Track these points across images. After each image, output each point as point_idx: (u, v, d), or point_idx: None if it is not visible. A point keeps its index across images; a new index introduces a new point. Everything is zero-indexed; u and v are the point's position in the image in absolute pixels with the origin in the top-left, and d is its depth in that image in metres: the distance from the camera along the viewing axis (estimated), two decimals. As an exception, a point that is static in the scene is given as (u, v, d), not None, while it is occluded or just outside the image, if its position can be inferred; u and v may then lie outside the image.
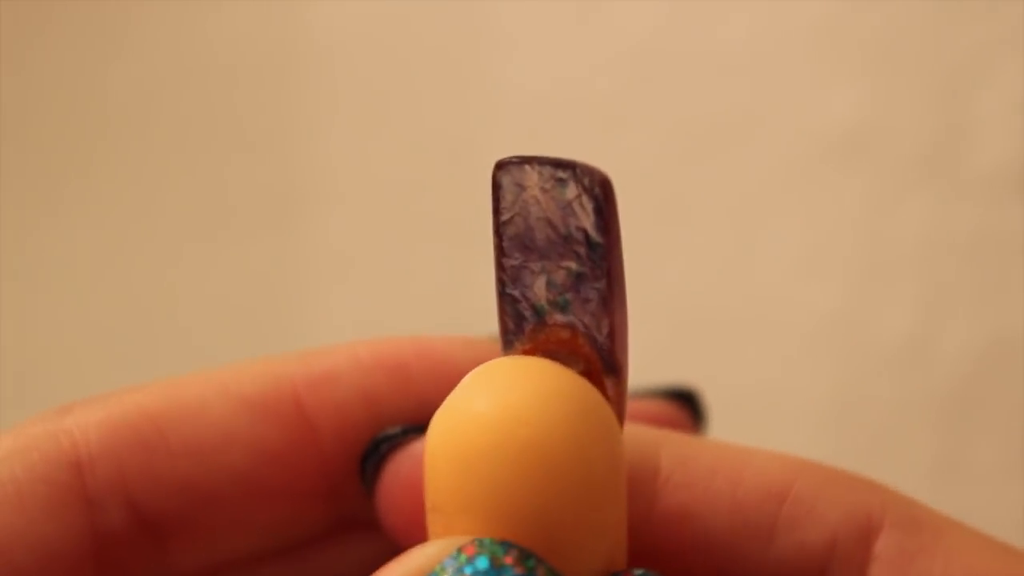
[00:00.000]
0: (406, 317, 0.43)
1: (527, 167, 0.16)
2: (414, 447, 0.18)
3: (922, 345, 0.38)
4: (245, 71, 0.46)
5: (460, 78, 0.43)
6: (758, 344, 0.40)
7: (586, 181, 0.16)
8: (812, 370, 0.39)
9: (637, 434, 0.18)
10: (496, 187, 0.17)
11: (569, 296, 0.17)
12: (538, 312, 0.17)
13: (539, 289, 0.17)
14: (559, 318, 0.16)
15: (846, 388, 0.39)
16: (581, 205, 0.16)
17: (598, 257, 0.16)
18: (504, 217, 0.16)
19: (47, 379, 0.49)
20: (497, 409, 0.15)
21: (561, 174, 0.16)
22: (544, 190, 0.16)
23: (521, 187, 0.17)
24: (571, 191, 0.16)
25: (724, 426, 0.40)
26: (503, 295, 0.17)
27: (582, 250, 0.16)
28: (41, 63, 0.49)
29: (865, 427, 0.38)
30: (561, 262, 0.16)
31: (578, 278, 0.16)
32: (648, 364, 0.40)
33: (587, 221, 0.16)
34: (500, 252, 0.17)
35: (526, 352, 0.17)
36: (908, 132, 0.38)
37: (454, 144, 0.43)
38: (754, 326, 0.40)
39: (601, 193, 0.16)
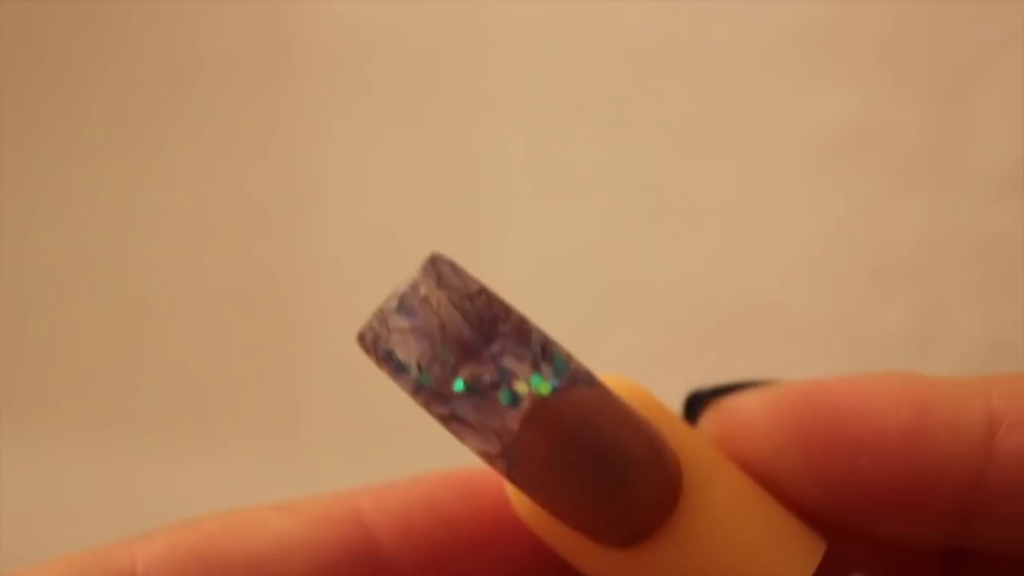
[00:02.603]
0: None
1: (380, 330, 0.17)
2: (726, 403, 0.19)
3: (922, 345, 0.38)
4: (244, 70, 0.46)
5: (460, 78, 0.43)
6: (758, 344, 0.40)
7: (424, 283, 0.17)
8: (812, 370, 0.39)
9: (961, 384, 0.18)
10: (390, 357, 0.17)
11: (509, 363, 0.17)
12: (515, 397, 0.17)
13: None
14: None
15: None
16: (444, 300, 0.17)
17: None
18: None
19: (47, 379, 0.49)
20: None
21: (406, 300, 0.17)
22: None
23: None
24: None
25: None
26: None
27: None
28: (40, 62, 0.49)
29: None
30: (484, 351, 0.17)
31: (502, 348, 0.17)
32: (648, 363, 0.40)
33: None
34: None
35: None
36: (908, 132, 0.38)
37: (454, 144, 0.43)
38: (754, 326, 0.40)
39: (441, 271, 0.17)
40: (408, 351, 0.17)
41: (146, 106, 0.48)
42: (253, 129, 0.46)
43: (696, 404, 0.19)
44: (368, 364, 0.47)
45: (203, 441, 0.47)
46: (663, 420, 0.18)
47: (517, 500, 0.18)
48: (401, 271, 0.47)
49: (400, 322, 0.17)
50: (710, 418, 0.19)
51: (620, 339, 0.40)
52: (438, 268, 0.17)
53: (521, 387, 0.17)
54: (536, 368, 0.17)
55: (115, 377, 0.48)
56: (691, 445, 0.18)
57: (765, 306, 0.40)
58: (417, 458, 0.44)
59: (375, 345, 0.17)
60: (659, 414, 0.18)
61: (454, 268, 0.17)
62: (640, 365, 0.40)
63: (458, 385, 0.17)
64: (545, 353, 0.17)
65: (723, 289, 0.40)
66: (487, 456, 0.17)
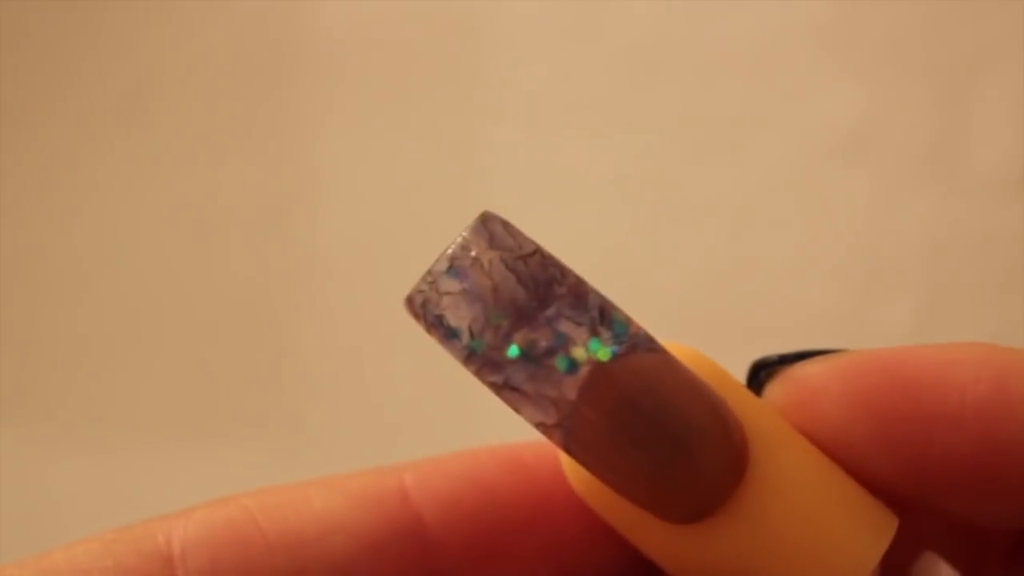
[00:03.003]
0: (406, 317, 0.43)
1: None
2: (794, 371, 0.18)
3: (922, 345, 0.38)
4: (245, 70, 0.46)
5: (460, 78, 0.43)
6: (758, 344, 0.40)
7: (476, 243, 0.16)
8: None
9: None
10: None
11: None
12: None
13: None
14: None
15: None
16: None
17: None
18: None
19: (47, 379, 0.49)
20: None
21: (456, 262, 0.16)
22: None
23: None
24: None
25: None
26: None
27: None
28: (39, 63, 0.49)
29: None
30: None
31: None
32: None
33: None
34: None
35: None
36: (909, 132, 0.38)
37: (454, 144, 0.43)
38: (755, 325, 0.40)
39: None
40: (459, 315, 0.16)
41: (146, 106, 0.48)
42: (253, 129, 0.46)
43: (761, 373, 0.18)
44: (369, 363, 0.47)
45: (203, 440, 0.47)
46: (727, 389, 0.17)
47: (574, 474, 0.17)
48: (401, 271, 0.47)
49: (450, 285, 0.16)
50: (776, 388, 0.18)
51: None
52: (489, 227, 0.16)
53: (579, 353, 0.16)
54: (595, 333, 0.16)
55: (115, 377, 0.48)
56: (757, 415, 0.17)
57: (765, 306, 0.40)
58: (418, 455, 0.44)
59: (424, 310, 0.16)
60: (723, 382, 0.17)
61: (506, 227, 0.16)
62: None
63: (512, 351, 0.16)
64: (604, 317, 0.16)
65: (723, 289, 0.40)
66: (543, 427, 0.16)
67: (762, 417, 0.17)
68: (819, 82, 0.39)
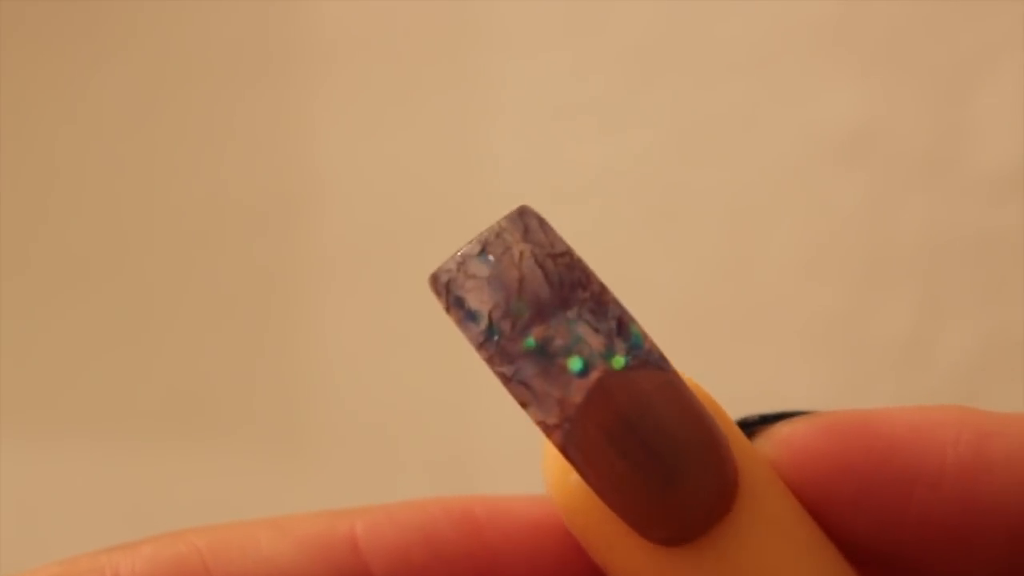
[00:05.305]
0: (406, 318, 0.43)
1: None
2: (776, 430, 0.18)
3: (922, 345, 0.38)
4: (245, 68, 0.46)
5: (460, 78, 0.43)
6: (758, 344, 0.40)
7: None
8: (812, 370, 0.39)
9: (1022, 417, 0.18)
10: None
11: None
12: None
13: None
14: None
15: (846, 388, 0.39)
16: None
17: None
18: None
19: (47, 379, 0.49)
20: None
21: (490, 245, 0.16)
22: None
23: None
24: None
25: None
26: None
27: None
28: (39, 62, 0.49)
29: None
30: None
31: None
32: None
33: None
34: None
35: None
36: (908, 132, 0.38)
37: (454, 143, 0.43)
38: (754, 326, 0.40)
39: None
40: (481, 300, 0.16)
41: (146, 105, 0.48)
42: (253, 129, 0.46)
43: (744, 432, 0.18)
44: (370, 364, 0.47)
45: (204, 441, 0.47)
46: (724, 424, 0.17)
47: (559, 485, 0.17)
48: (401, 271, 0.47)
49: (478, 268, 0.16)
50: (759, 446, 0.18)
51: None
52: (526, 220, 0.16)
53: (593, 358, 0.16)
54: (610, 341, 0.16)
55: (116, 378, 0.48)
56: (748, 456, 0.17)
57: (765, 306, 0.40)
58: (417, 457, 0.44)
59: (447, 289, 0.16)
60: (721, 418, 0.18)
61: (542, 223, 0.16)
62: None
63: (528, 342, 0.16)
64: (622, 328, 0.16)
65: (723, 289, 0.40)
66: (544, 426, 0.16)
67: (752, 458, 0.17)
68: (819, 82, 0.39)
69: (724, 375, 0.40)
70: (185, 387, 0.47)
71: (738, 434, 0.18)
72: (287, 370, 0.46)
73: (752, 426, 0.18)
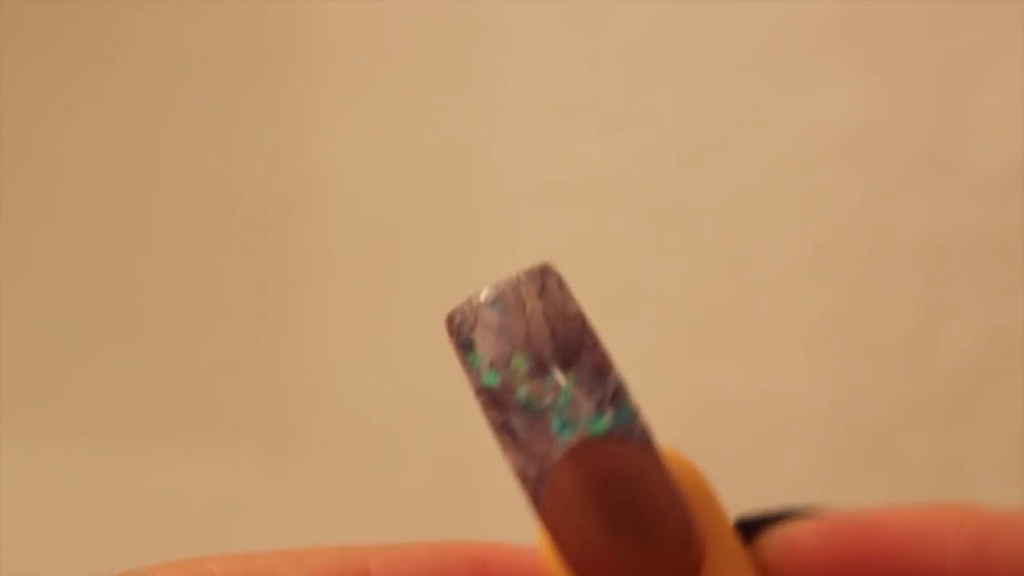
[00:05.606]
0: (408, 316, 0.43)
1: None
2: (780, 532, 0.18)
3: (922, 345, 0.38)
4: (245, 68, 0.46)
5: (460, 78, 0.43)
6: (759, 344, 0.40)
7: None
8: (813, 370, 0.39)
9: (1021, 514, 0.18)
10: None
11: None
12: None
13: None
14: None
15: (846, 387, 0.39)
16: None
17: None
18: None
19: (47, 380, 0.49)
20: None
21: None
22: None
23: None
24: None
25: (724, 426, 0.40)
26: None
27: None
28: (39, 62, 0.49)
29: (865, 426, 0.38)
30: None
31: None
32: (649, 364, 0.40)
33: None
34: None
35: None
36: (909, 132, 0.38)
37: (455, 143, 0.43)
38: (755, 326, 0.40)
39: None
40: (487, 347, 0.17)
41: (145, 104, 0.48)
42: (254, 128, 0.46)
43: (747, 533, 0.18)
44: (371, 363, 0.47)
45: (205, 440, 0.47)
46: (703, 504, 0.18)
47: (541, 545, 0.18)
48: (401, 270, 0.47)
49: (490, 317, 0.17)
50: (763, 549, 0.18)
51: (619, 338, 0.40)
52: (545, 278, 0.17)
53: (577, 420, 0.16)
54: (600, 408, 0.16)
55: (116, 377, 0.48)
56: (720, 538, 0.18)
57: (765, 305, 0.40)
58: (419, 457, 0.44)
59: (459, 330, 0.17)
60: (703, 499, 0.18)
61: (560, 284, 0.17)
62: (641, 366, 0.40)
63: (519, 395, 0.17)
64: (615, 398, 0.17)
65: (723, 288, 0.40)
66: (522, 476, 0.17)
67: (724, 540, 0.18)
68: (819, 82, 0.39)
69: (725, 374, 0.40)
70: (186, 386, 0.47)
71: (717, 517, 0.18)
72: (288, 369, 0.46)
73: (753, 527, 0.18)
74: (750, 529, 0.18)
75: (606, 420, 0.17)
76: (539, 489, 0.17)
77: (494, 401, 0.17)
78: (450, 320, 0.17)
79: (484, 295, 0.17)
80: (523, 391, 0.17)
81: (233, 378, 0.46)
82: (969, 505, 0.18)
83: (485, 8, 0.43)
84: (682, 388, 0.40)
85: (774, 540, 0.18)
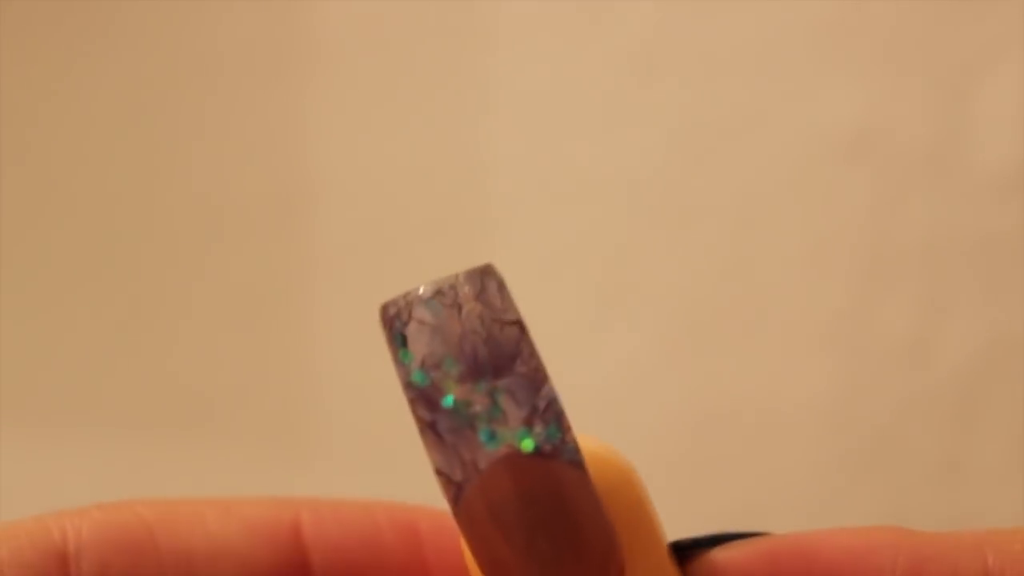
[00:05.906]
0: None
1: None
2: (714, 556, 0.18)
3: (923, 345, 0.38)
4: (244, 68, 0.46)
5: (460, 77, 0.43)
6: (760, 343, 0.40)
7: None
8: (814, 369, 0.39)
9: (956, 541, 0.18)
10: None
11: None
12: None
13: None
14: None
15: (848, 387, 0.39)
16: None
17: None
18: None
19: (47, 381, 0.49)
20: None
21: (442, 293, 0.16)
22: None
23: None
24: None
25: (725, 426, 0.40)
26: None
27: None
28: (39, 62, 0.49)
29: (866, 426, 0.38)
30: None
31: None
32: (650, 364, 0.40)
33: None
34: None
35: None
36: (911, 132, 0.38)
37: (454, 144, 0.43)
38: (756, 325, 0.40)
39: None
40: (419, 344, 0.16)
41: (145, 105, 0.48)
42: (252, 129, 0.46)
43: (681, 556, 0.18)
44: (370, 361, 0.47)
45: (204, 438, 0.47)
46: (634, 527, 0.17)
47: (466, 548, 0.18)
48: (400, 270, 0.47)
49: (424, 314, 0.16)
50: (696, 572, 0.18)
51: (619, 338, 0.40)
52: (485, 280, 0.16)
53: (504, 433, 0.16)
54: (529, 423, 0.16)
55: (116, 376, 0.48)
56: (647, 560, 0.17)
57: (767, 305, 0.40)
58: (419, 456, 0.44)
59: (392, 323, 0.17)
60: (634, 521, 0.17)
61: (500, 288, 0.16)
62: (641, 366, 0.40)
63: (447, 400, 0.16)
64: (546, 413, 0.16)
65: (725, 288, 0.40)
66: (444, 478, 0.16)
67: (650, 560, 0.17)
68: (819, 82, 0.39)
69: (726, 374, 0.40)
70: (185, 385, 0.47)
71: (650, 533, 0.18)
72: (287, 368, 0.46)
73: (686, 550, 0.18)
74: (684, 551, 0.18)
75: (535, 435, 0.16)
76: (459, 496, 0.16)
77: (422, 399, 0.16)
78: (384, 310, 0.17)
79: (422, 290, 0.16)
80: (452, 395, 0.16)
81: (231, 376, 0.46)
82: (905, 530, 0.18)
83: (483, 7, 0.43)
84: (683, 387, 0.40)
85: (707, 563, 0.18)
